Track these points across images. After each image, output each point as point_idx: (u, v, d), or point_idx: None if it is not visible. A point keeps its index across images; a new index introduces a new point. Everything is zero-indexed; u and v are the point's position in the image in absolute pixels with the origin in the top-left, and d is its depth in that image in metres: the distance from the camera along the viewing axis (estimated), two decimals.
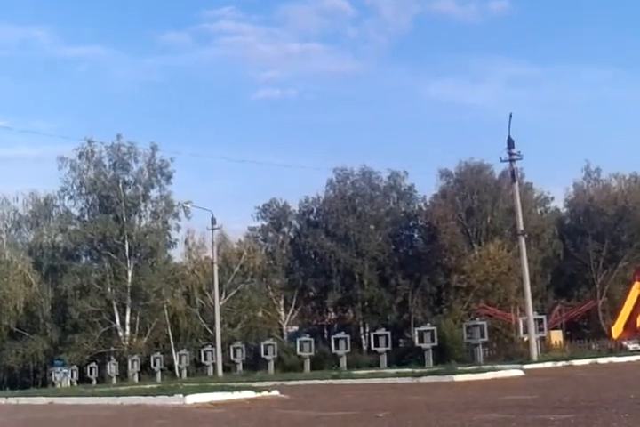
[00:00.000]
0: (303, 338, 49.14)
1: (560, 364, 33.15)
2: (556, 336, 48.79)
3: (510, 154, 39.43)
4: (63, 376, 57.60)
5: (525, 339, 40.69)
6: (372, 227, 67.00)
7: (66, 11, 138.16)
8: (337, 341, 45.74)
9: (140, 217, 64.67)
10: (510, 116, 38.31)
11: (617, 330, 50.86)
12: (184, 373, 54.42)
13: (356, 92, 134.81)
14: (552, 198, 71.22)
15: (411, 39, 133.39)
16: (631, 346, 43.98)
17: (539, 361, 35.08)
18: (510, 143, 39.04)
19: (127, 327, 61.65)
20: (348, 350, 45.41)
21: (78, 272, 62.25)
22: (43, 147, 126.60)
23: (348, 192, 68.50)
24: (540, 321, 41.91)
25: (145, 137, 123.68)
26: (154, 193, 64.52)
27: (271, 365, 48.00)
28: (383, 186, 69.43)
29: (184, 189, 71.42)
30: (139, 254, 62.89)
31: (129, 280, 61.47)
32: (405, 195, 69.92)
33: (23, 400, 32.19)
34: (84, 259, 66.64)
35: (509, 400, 17.76)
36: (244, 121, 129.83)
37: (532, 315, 39.20)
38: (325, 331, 67.55)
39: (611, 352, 40.01)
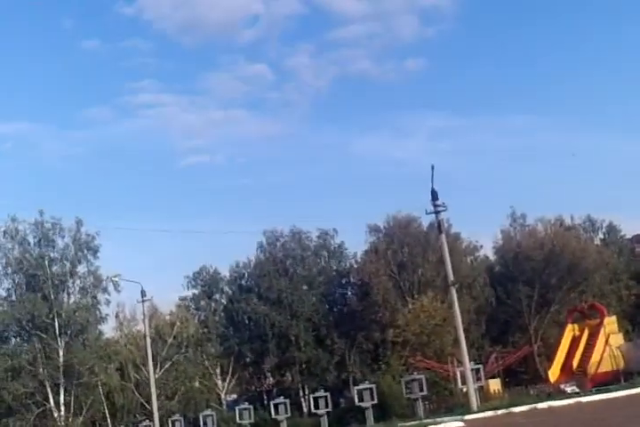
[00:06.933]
0: (242, 406, 48.04)
1: (500, 412, 33.11)
2: (495, 384, 48.80)
3: (435, 206, 39.78)
4: None
5: (464, 389, 40.52)
6: (304, 288, 66.83)
7: None
8: (276, 406, 45.15)
9: (69, 294, 63.15)
10: (432, 168, 38.68)
11: (554, 374, 51.13)
12: None
13: (282, 153, 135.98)
14: (481, 247, 71.76)
15: (332, 99, 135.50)
16: (569, 389, 44.15)
17: (479, 411, 35.00)
18: (434, 195, 39.41)
19: (62, 407, 59.67)
20: (289, 415, 44.85)
21: (8, 354, 60.44)
22: None
23: (279, 254, 68.39)
24: (478, 371, 41.90)
25: (70, 212, 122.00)
26: (81, 269, 63.15)
27: None
28: (313, 245, 69.48)
29: (112, 261, 70.48)
30: (69, 332, 61.26)
31: (61, 359, 59.79)
32: (336, 253, 69.97)
33: None
34: (13, 340, 64.79)
35: None
36: (171, 189, 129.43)
37: (468, 365, 39.19)
38: (265, 396, 66.73)
39: (549, 397, 40.04)
